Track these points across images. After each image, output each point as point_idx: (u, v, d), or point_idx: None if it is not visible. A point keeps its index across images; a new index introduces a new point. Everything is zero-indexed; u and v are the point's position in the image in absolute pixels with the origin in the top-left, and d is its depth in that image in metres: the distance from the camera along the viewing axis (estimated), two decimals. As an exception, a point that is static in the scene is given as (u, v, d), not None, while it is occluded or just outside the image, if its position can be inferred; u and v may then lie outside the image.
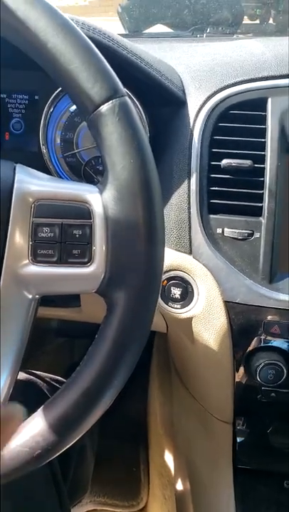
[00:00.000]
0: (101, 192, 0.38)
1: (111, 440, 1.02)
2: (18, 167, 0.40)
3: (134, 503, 1.06)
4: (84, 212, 0.38)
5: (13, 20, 0.36)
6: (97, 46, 0.37)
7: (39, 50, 0.36)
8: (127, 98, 0.37)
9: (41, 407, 0.40)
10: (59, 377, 0.72)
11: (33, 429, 0.40)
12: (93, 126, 0.37)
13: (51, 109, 0.63)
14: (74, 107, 0.64)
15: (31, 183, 0.39)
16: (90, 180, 0.64)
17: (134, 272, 0.38)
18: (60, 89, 0.62)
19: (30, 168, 0.41)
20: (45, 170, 0.64)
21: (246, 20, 1.26)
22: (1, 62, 0.61)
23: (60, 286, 0.39)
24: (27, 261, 0.38)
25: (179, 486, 0.88)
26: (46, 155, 0.64)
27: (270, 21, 1.30)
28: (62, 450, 0.41)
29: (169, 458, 0.94)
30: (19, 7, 0.36)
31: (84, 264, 0.38)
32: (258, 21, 1.32)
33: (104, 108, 0.36)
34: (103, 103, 0.36)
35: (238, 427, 0.72)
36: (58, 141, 0.64)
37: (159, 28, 1.19)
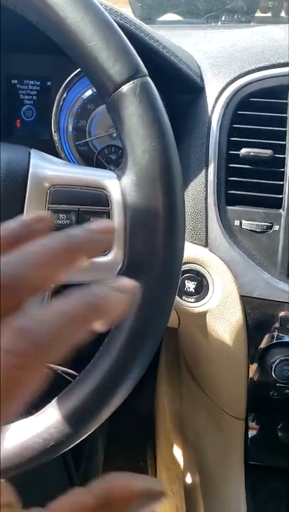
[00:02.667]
0: (119, 178, 0.36)
1: (119, 434, 1.01)
2: (33, 152, 0.39)
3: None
4: (101, 199, 0.36)
5: None
6: None
7: (57, 26, 0.34)
8: (148, 78, 0.35)
9: (55, 398, 0.39)
10: (70, 371, 0.71)
11: (47, 421, 0.38)
12: (113, 108, 0.35)
13: (64, 96, 0.61)
14: (87, 94, 0.62)
15: (47, 168, 0.37)
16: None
17: (153, 264, 0.36)
18: (73, 75, 0.61)
19: (45, 154, 0.40)
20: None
21: (258, 13, 1.24)
22: (12, 47, 0.60)
23: (75, 275, 0.37)
24: None
25: (188, 481, 0.87)
26: (58, 143, 0.62)
27: (282, 14, 1.28)
28: (76, 442, 0.40)
29: (177, 453, 0.92)
30: None
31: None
32: (270, 14, 1.30)
33: (125, 88, 0.34)
34: (124, 83, 0.34)
35: (250, 423, 0.70)
36: (70, 128, 0.63)
37: (170, 17, 1.17)
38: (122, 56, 0.34)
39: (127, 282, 0.22)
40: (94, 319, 0.20)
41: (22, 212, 0.36)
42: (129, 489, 0.20)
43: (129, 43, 0.35)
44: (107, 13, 0.35)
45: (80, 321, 0.19)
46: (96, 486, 0.20)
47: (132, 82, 0.34)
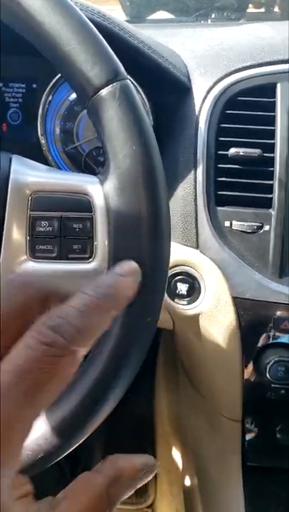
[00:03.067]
0: (102, 183, 0.36)
1: (118, 438, 1.00)
2: (15, 158, 0.38)
3: (141, 500, 1.04)
4: (84, 205, 0.36)
5: (8, 1, 0.34)
6: (97, 29, 0.35)
7: (35, 32, 0.33)
8: (128, 81, 0.34)
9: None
10: None
11: (35, 432, 0.38)
12: (93, 112, 0.34)
13: (49, 98, 0.61)
14: (73, 96, 0.61)
15: (28, 175, 0.36)
16: (90, 171, 0.62)
17: (139, 266, 0.35)
18: (58, 77, 0.60)
19: (27, 159, 0.39)
20: (45, 161, 0.61)
21: (251, 9, 1.24)
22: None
23: (60, 283, 0.37)
24: (25, 257, 0.36)
25: (187, 483, 0.86)
26: (45, 146, 0.62)
27: (276, 9, 1.28)
28: (66, 453, 0.39)
29: (176, 455, 0.92)
30: None
31: (85, 259, 0.36)
32: (262, 9, 1.29)
33: (104, 92, 0.33)
34: (103, 87, 0.33)
35: (247, 425, 0.70)
36: (58, 131, 0.62)
37: (162, 15, 1.16)
38: (100, 59, 0.33)
39: (127, 266, 0.27)
40: (110, 307, 0.24)
41: (3, 220, 0.35)
42: (133, 465, 0.23)
43: (107, 46, 0.34)
44: (84, 16, 0.34)
45: (100, 311, 0.23)
46: (103, 466, 0.23)
47: (111, 85, 0.33)
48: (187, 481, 0.86)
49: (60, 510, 0.20)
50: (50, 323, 0.21)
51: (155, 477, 1.06)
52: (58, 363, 0.21)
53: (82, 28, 0.33)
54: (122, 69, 0.34)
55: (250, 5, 1.25)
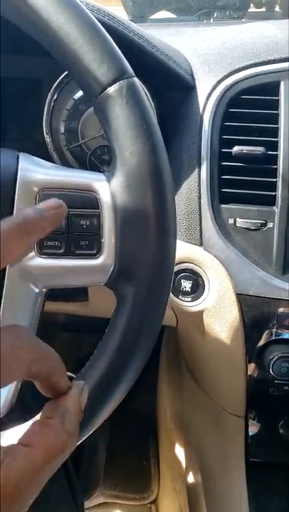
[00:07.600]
0: (109, 180, 0.36)
1: (121, 434, 1.01)
2: (22, 155, 0.38)
3: (144, 496, 1.05)
4: (91, 202, 0.36)
5: None
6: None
7: (42, 30, 0.34)
8: (135, 79, 0.35)
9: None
10: (69, 373, 0.71)
11: None
12: (100, 109, 0.35)
13: (55, 97, 0.61)
14: (78, 95, 0.62)
15: (36, 172, 0.37)
16: (95, 170, 0.62)
17: (145, 264, 0.36)
18: (63, 76, 0.60)
19: (34, 157, 0.39)
20: (50, 159, 0.62)
21: (252, 8, 1.24)
22: (4, 48, 0.60)
23: (67, 279, 0.37)
24: (33, 253, 0.36)
25: (191, 479, 0.87)
26: (50, 144, 0.62)
27: (277, 8, 1.28)
28: (76, 444, 0.40)
29: (179, 451, 0.93)
30: None
31: (92, 255, 0.36)
32: (264, 9, 1.29)
33: (111, 90, 0.34)
34: (110, 85, 0.34)
35: (250, 421, 0.70)
36: (62, 130, 0.62)
37: (164, 14, 1.17)
38: (107, 57, 0.34)
39: (51, 202, 0.27)
40: (30, 229, 0.25)
41: (11, 215, 0.35)
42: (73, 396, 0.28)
43: (114, 44, 0.35)
44: (91, 15, 0.34)
45: (20, 232, 0.24)
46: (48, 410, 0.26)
47: (118, 83, 0.34)
48: (190, 477, 0.86)
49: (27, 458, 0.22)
50: None
51: (158, 473, 1.06)
52: None
53: (90, 27, 0.34)
54: (129, 67, 0.35)
55: (252, 4, 1.25)
